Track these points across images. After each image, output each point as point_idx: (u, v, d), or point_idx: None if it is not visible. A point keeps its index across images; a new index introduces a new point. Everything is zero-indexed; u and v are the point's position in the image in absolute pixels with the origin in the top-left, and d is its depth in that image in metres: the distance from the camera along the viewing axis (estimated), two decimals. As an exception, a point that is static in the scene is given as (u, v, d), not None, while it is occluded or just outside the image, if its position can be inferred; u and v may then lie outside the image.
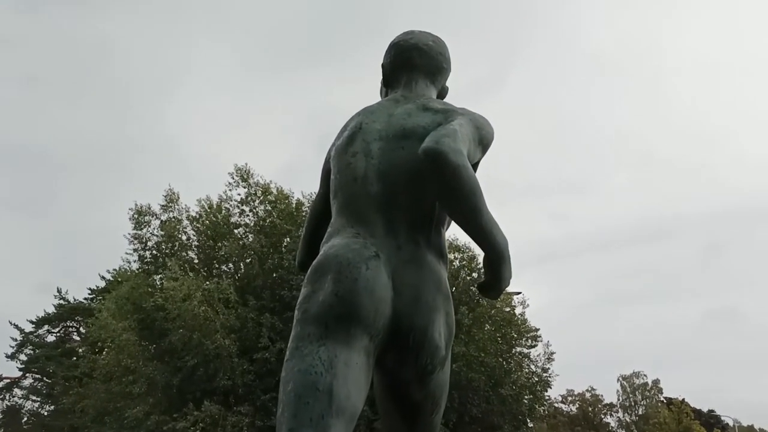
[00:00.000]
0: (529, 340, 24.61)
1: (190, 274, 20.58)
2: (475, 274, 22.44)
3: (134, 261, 23.08)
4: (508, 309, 23.71)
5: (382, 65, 2.42)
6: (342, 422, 1.65)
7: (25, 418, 34.57)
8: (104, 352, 23.43)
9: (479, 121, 2.12)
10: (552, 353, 24.88)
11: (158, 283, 21.26)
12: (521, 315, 24.50)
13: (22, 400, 35.08)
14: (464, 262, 23.19)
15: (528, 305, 25.45)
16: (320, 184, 2.37)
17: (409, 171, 2.03)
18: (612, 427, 56.11)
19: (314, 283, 1.89)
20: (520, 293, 24.74)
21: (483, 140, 2.10)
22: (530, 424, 24.72)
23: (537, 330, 24.79)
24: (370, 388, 1.89)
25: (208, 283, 20.38)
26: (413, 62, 2.36)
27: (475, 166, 2.08)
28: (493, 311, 22.89)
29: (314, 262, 1.95)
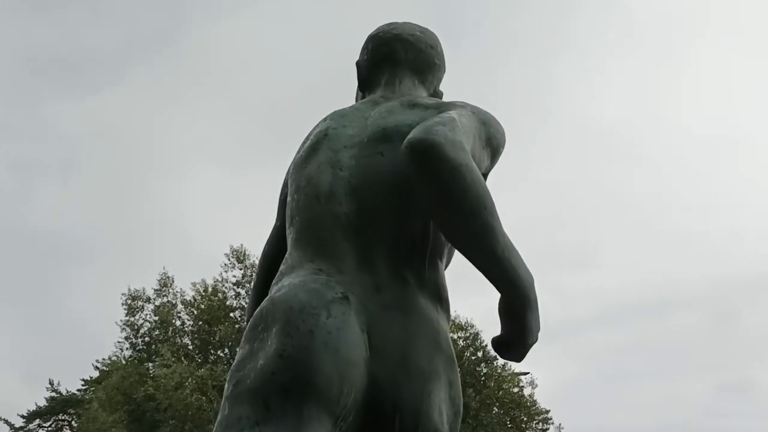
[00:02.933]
0: (540, 423, 23.48)
1: (184, 360, 19.90)
2: (480, 353, 21.57)
3: (126, 349, 22.45)
4: (516, 390, 22.71)
5: (357, 63, 1.88)
6: None
7: None
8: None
9: (485, 116, 1.56)
10: (564, 436, 23.78)
11: (150, 371, 20.54)
12: (530, 396, 23.46)
13: (9, 501, 33.49)
14: (468, 341, 22.31)
15: (536, 386, 24.35)
16: (276, 216, 1.80)
17: (391, 183, 1.46)
18: None
19: (252, 342, 1.29)
20: (528, 373, 23.76)
21: (491, 141, 1.54)
22: None
23: (547, 412, 23.70)
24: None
25: (202, 369, 19.64)
26: (396, 56, 1.80)
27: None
28: (500, 393, 21.91)
29: (255, 312, 1.36)
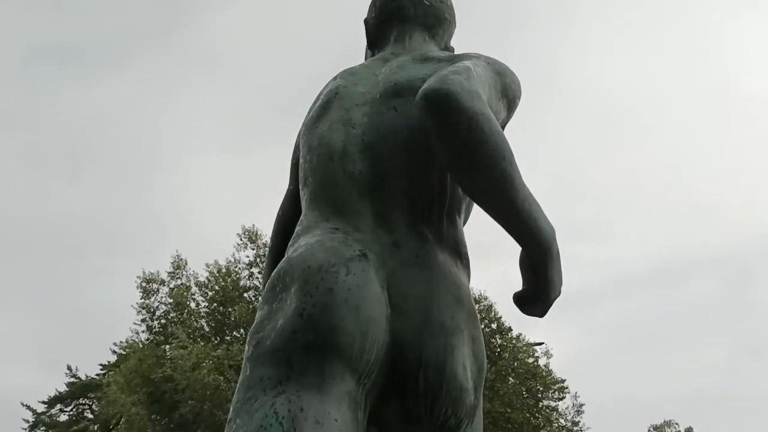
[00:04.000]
0: (556, 393, 23.53)
1: (200, 342, 20.01)
2: (494, 325, 21.59)
3: (143, 331, 22.59)
4: (531, 360, 22.74)
5: (365, 21, 1.84)
6: None
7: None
8: (115, 429, 22.69)
9: (501, 66, 1.52)
10: (581, 405, 23.86)
11: (167, 353, 20.69)
12: (546, 366, 23.49)
13: (35, 485, 34.06)
14: (482, 313, 22.36)
15: (552, 356, 24.37)
16: (289, 178, 1.78)
17: (406, 138, 1.43)
18: (648, 480, 53.89)
19: (271, 302, 1.27)
20: (543, 344, 23.78)
21: (507, 91, 1.50)
22: (564, 483, 23.40)
23: (563, 381, 23.74)
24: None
25: (219, 350, 19.76)
26: (405, 12, 1.76)
27: None
28: (516, 364, 21.95)
29: (272, 273, 1.34)
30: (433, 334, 1.26)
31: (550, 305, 1.40)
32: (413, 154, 1.42)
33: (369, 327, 1.21)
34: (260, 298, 1.34)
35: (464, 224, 1.54)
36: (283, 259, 1.35)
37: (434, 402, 1.26)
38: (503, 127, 1.54)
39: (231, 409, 1.16)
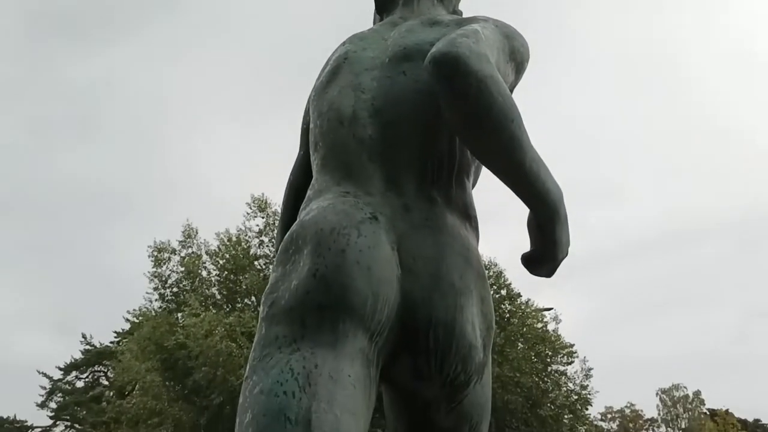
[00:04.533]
0: (565, 357, 23.69)
1: (212, 309, 20.18)
2: (503, 291, 21.69)
3: (155, 300, 22.80)
4: (540, 325, 22.86)
5: None
6: None
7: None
8: (130, 395, 23.03)
9: (509, 29, 1.53)
10: (590, 369, 24.02)
11: (180, 321, 20.88)
12: (554, 331, 23.62)
13: (54, 449, 34.78)
14: (491, 279, 22.45)
15: (561, 321, 24.51)
16: (300, 144, 1.80)
17: (415, 102, 1.45)
18: (656, 442, 54.42)
19: (285, 264, 1.30)
20: (552, 309, 23.89)
21: (515, 54, 1.51)
22: (572, 445, 23.64)
23: (572, 346, 23.89)
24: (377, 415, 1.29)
25: (231, 317, 19.94)
26: None
27: None
28: (524, 329, 22.08)
29: (285, 236, 1.37)
30: (442, 294, 1.29)
31: (558, 266, 1.43)
32: (422, 118, 1.44)
33: (380, 287, 1.24)
34: (273, 260, 1.37)
35: (473, 187, 1.56)
36: (296, 222, 1.37)
37: (444, 359, 1.29)
38: (511, 90, 1.55)
39: (248, 367, 1.20)
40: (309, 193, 1.49)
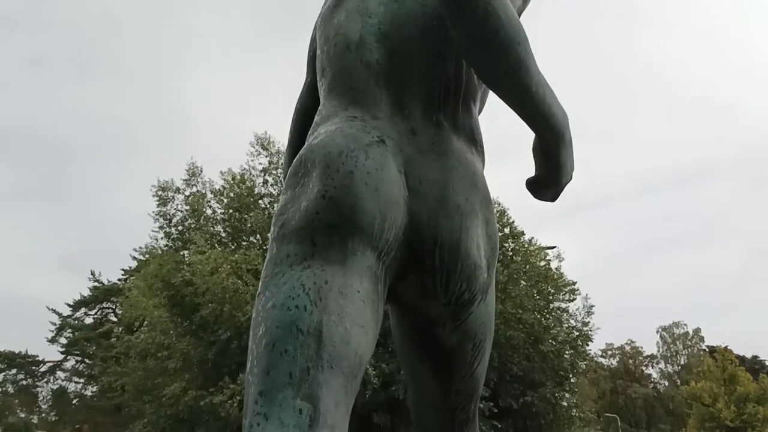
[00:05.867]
0: (567, 295, 23.96)
1: (217, 247, 20.33)
2: (507, 230, 21.78)
3: (161, 238, 22.99)
4: (543, 263, 23.05)
5: None
6: (338, 377, 1.10)
7: (76, 400, 35.10)
8: (138, 331, 23.45)
9: None
10: (591, 306, 24.27)
11: (186, 258, 21.08)
12: (557, 269, 23.83)
13: (65, 382, 35.71)
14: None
15: (563, 259, 24.67)
16: (307, 71, 1.80)
17: (422, 26, 1.45)
18: (654, 378, 55.51)
19: (294, 187, 1.33)
20: (554, 247, 24.06)
21: None
22: (572, 380, 24.09)
23: (574, 284, 24.13)
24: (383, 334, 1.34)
25: (236, 254, 20.11)
26: None
27: None
28: (527, 267, 22.27)
29: (294, 160, 1.39)
30: (448, 215, 1.33)
31: (562, 190, 1.46)
32: (429, 42, 1.44)
33: (388, 207, 1.27)
34: (284, 183, 1.40)
35: (480, 113, 1.58)
36: (304, 147, 1.39)
37: (449, 279, 1.34)
38: (519, 15, 1.54)
39: (260, 283, 1.24)
40: (317, 118, 1.50)
